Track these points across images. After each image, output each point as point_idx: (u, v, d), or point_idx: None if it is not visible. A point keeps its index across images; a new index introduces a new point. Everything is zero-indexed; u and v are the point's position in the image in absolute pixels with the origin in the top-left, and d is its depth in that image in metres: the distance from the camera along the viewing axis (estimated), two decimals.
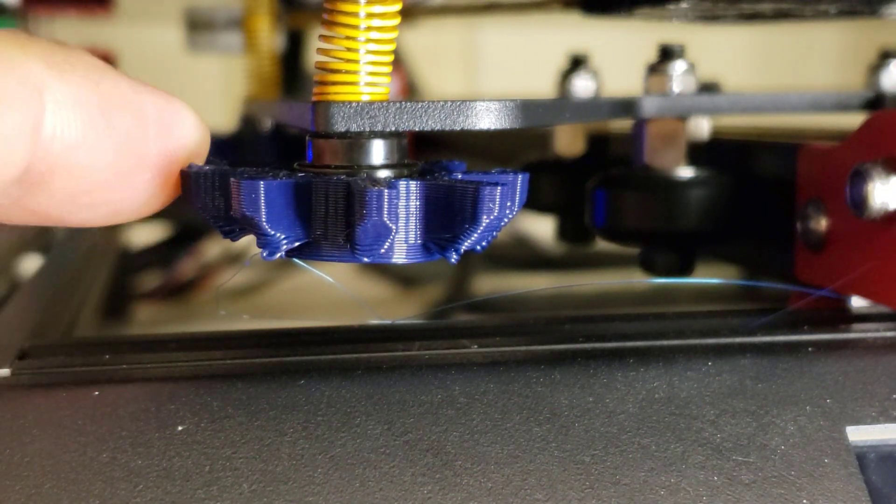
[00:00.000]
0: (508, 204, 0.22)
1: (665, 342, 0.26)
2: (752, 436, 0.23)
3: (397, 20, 0.23)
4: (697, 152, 0.33)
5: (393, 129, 0.24)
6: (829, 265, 0.29)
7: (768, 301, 0.31)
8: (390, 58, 0.24)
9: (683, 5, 0.33)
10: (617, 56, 0.68)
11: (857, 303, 0.29)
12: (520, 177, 0.23)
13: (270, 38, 0.50)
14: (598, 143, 0.40)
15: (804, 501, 0.22)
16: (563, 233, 0.41)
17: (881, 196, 0.26)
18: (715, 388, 0.24)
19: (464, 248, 0.23)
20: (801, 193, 0.30)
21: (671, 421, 0.23)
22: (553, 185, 0.39)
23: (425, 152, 0.53)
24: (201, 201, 0.24)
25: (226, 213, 0.23)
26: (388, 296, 0.66)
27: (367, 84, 0.24)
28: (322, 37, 0.24)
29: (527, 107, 0.25)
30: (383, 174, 0.24)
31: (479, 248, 0.23)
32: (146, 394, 0.23)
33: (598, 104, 0.31)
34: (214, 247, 0.71)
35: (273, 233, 0.22)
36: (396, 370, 0.24)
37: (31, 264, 0.40)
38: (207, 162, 0.24)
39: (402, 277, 0.67)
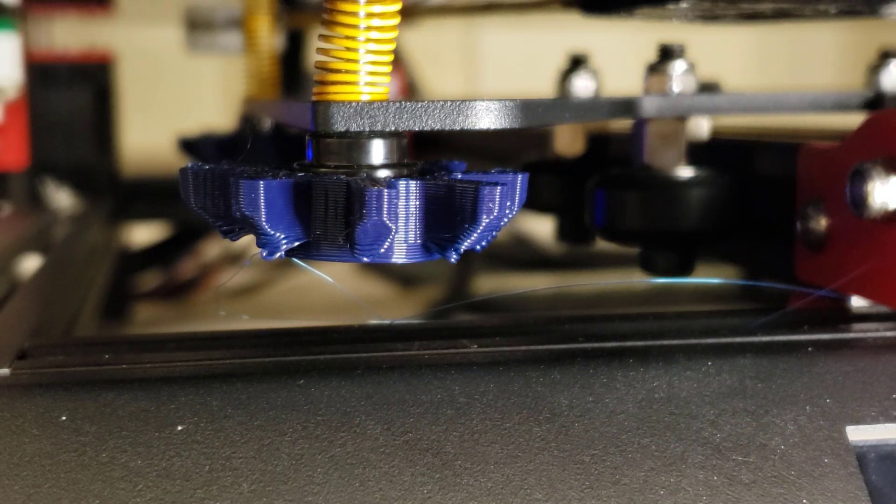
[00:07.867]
0: (508, 204, 0.22)
1: (665, 342, 0.26)
2: (752, 436, 0.23)
3: (397, 20, 0.23)
4: (697, 152, 0.33)
5: (393, 128, 0.24)
6: (829, 265, 0.29)
7: (768, 301, 0.30)
8: (390, 58, 0.24)
9: (683, 5, 0.33)
10: (617, 56, 0.68)
11: (857, 303, 0.29)
12: (520, 177, 0.23)
13: (270, 38, 0.50)
14: (598, 143, 0.40)
15: (804, 501, 0.22)
16: (563, 233, 0.41)
17: (881, 196, 0.26)
18: (715, 388, 0.24)
19: (464, 247, 0.23)
20: (801, 193, 0.30)
21: (671, 421, 0.23)
22: (553, 185, 0.39)
23: (425, 152, 0.53)
24: (201, 201, 0.24)
25: (226, 213, 0.23)
26: (388, 296, 0.66)
27: (367, 84, 0.24)
28: (322, 37, 0.24)
29: (527, 107, 0.25)
30: (383, 174, 0.24)
31: (479, 247, 0.23)
32: (146, 394, 0.23)
33: (598, 104, 0.31)
34: (214, 247, 0.71)
35: (273, 232, 0.22)
36: (396, 370, 0.24)
37: (31, 264, 0.40)
38: (207, 162, 0.24)
39: (402, 277, 0.67)
